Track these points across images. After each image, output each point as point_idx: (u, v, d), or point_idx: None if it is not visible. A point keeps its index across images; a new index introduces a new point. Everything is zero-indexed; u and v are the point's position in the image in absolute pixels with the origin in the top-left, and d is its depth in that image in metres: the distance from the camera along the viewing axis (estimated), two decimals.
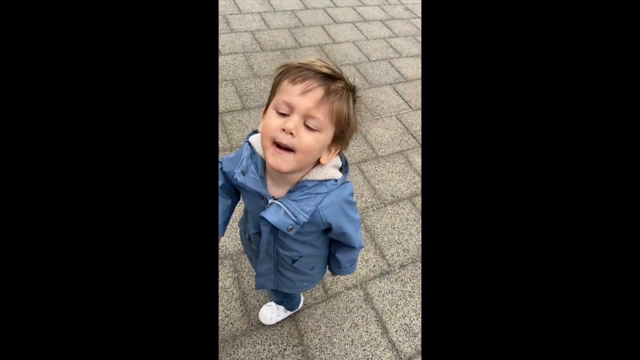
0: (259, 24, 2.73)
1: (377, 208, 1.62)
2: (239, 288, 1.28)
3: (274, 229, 0.71)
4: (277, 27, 2.73)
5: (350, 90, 0.61)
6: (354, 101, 0.63)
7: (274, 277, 0.87)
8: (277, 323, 1.21)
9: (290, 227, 0.65)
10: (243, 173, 0.67)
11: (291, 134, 0.56)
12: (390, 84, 2.38)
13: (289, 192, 0.66)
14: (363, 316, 1.25)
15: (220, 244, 1.39)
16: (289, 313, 1.23)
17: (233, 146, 1.78)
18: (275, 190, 0.68)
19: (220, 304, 1.23)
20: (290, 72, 0.58)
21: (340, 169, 0.70)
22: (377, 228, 1.53)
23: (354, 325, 1.23)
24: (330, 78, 0.58)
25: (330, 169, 0.67)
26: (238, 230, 1.44)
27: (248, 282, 1.30)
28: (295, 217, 0.64)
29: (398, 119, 2.12)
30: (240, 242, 1.41)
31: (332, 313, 1.25)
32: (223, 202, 0.80)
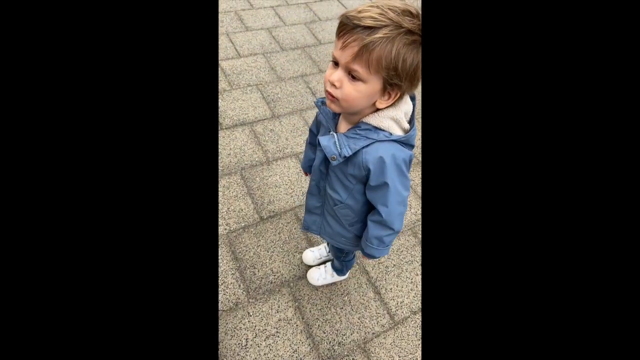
0: (274, 19, 2.58)
1: None
2: (302, 319, 1.22)
3: (325, 160, 0.80)
4: (293, 23, 2.58)
5: (405, 33, 0.58)
6: (414, 43, 0.60)
7: (320, 219, 0.94)
8: (349, 356, 1.15)
9: (333, 156, 0.70)
10: (323, 104, 0.77)
11: (335, 85, 0.64)
12: None
13: (348, 130, 0.71)
14: None
15: (275, 273, 1.32)
16: (335, 278, 1.29)
17: (269, 159, 1.68)
18: (342, 125, 0.76)
19: (286, 337, 1.17)
20: (340, 24, 0.61)
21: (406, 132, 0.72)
22: None
23: None
24: (371, 29, 0.57)
25: (386, 120, 0.68)
26: (291, 256, 1.37)
27: (310, 310, 1.24)
28: (340, 149, 0.69)
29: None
30: (294, 269, 1.34)
31: (403, 341, 1.20)
32: (310, 154, 0.96)
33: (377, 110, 0.68)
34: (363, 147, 0.69)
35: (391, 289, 1.33)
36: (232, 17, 2.53)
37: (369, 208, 0.83)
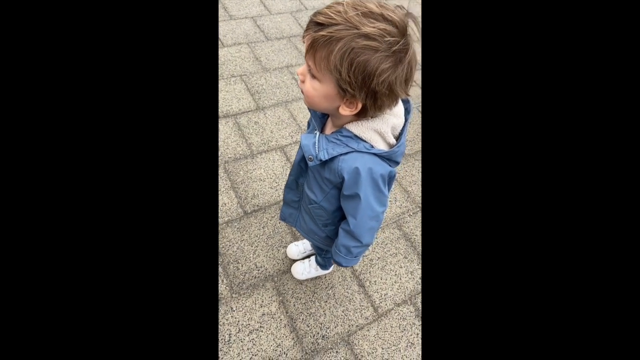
0: (259, 8, 2.52)
1: (413, 213, 1.56)
2: (286, 313, 1.22)
3: (304, 157, 0.76)
4: (279, 12, 2.52)
5: (358, 35, 0.52)
6: (369, 49, 0.53)
7: (296, 213, 0.95)
8: (333, 349, 1.16)
9: (310, 157, 0.69)
10: None
11: (302, 80, 0.63)
12: None
13: (332, 133, 0.69)
14: (418, 334, 1.22)
15: (259, 266, 1.31)
16: (320, 272, 1.29)
17: (254, 152, 1.66)
18: (328, 126, 0.74)
19: (269, 332, 1.17)
20: None
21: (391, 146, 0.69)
22: (417, 235, 1.48)
23: (410, 344, 1.20)
24: (320, 26, 0.54)
25: (369, 131, 0.65)
26: (275, 251, 1.36)
27: (294, 304, 1.24)
28: (318, 151, 0.67)
29: (420, 112, 2.03)
30: (279, 263, 1.34)
31: (386, 333, 1.21)
32: None
33: (362, 118, 0.65)
34: (340, 155, 0.66)
35: (375, 281, 1.33)
36: None
37: (343, 214, 0.81)
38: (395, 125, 0.67)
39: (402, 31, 0.54)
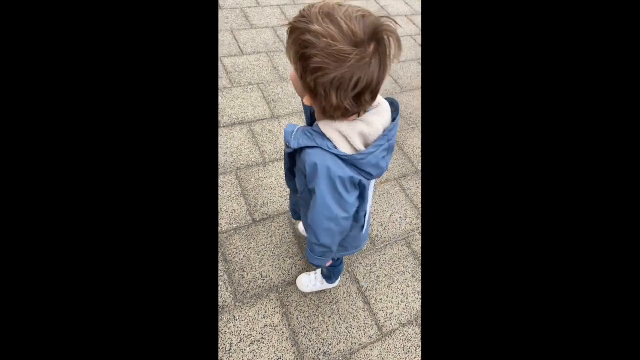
0: (280, 18, 2.56)
1: None
2: (289, 326, 1.20)
3: None
4: None
5: (305, 31, 0.56)
6: (307, 44, 0.56)
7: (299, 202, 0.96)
8: None
9: (287, 143, 0.72)
10: None
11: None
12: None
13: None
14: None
15: (264, 275, 1.30)
16: (325, 286, 1.28)
17: (266, 160, 1.66)
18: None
19: (271, 344, 1.15)
20: None
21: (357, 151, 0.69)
22: None
23: None
24: (299, 17, 0.60)
25: (332, 131, 0.66)
26: (282, 261, 1.35)
27: (297, 317, 1.22)
28: (292, 139, 0.70)
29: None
30: (284, 274, 1.32)
31: (390, 354, 1.18)
32: None
33: (329, 117, 0.66)
34: (307, 147, 0.68)
35: (381, 299, 1.31)
36: (238, 14, 2.51)
37: None
38: (366, 133, 0.66)
39: (356, 43, 0.55)
